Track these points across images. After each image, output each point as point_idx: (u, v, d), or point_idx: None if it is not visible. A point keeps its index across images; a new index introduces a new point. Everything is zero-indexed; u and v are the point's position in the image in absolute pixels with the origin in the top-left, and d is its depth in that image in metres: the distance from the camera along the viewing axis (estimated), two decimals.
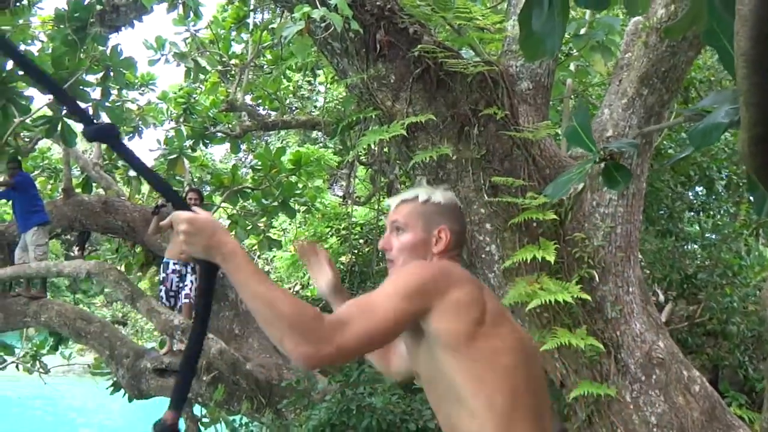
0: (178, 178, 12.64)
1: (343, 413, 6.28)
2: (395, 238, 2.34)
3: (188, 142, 12.60)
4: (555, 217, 4.44)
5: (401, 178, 12.11)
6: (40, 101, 9.61)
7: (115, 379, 9.59)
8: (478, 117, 4.71)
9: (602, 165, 2.70)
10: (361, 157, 12.00)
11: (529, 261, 4.30)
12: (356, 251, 11.79)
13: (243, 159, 21.03)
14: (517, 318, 4.62)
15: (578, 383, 4.37)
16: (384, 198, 12.65)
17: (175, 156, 12.34)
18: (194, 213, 1.97)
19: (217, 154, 23.61)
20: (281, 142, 20.51)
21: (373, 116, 5.01)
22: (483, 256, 4.66)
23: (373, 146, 10.82)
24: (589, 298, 4.32)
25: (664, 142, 8.46)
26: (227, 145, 14.02)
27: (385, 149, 11.45)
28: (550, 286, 4.21)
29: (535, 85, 5.33)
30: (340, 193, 23.24)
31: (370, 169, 13.40)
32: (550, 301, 4.13)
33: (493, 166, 4.67)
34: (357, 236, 12.55)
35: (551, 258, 4.22)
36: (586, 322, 4.41)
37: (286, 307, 1.86)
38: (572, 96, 9.31)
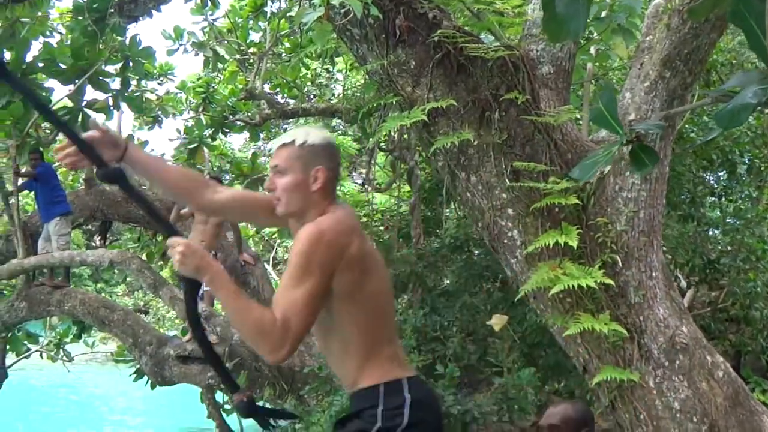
0: (198, 167, 12.70)
1: None
2: (278, 180, 2.60)
3: (208, 131, 12.65)
4: (577, 201, 4.41)
5: (421, 164, 12.09)
6: (60, 93, 9.67)
7: (138, 366, 9.69)
8: (499, 102, 4.68)
9: (628, 147, 2.68)
10: (381, 144, 11.98)
11: (551, 246, 4.28)
12: (377, 238, 11.79)
13: (262, 147, 21.05)
14: (540, 303, 4.61)
15: (601, 368, 4.34)
16: (404, 185, 12.65)
17: (195, 145, 12.42)
18: (187, 240, 2.43)
19: (236, 143, 23.61)
20: None
21: (394, 102, 5.00)
22: (505, 241, 4.65)
23: (393, 132, 10.84)
24: (612, 283, 4.29)
25: (686, 125, 8.39)
26: (246, 134, 14.07)
27: (405, 135, 11.44)
28: (572, 271, 4.19)
29: (556, 69, 5.29)
30: (360, 181, 23.27)
31: (389, 156, 13.37)
32: (572, 286, 4.11)
33: (515, 151, 4.65)
34: (377, 223, 12.54)
35: (574, 243, 4.19)
36: (609, 307, 4.38)
37: (254, 320, 2.32)
38: (592, 80, 9.25)
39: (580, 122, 6.45)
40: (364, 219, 12.85)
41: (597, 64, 9.69)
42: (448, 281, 9.81)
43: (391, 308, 2.76)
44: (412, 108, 4.72)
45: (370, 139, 13.43)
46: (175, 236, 2.44)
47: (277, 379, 7.41)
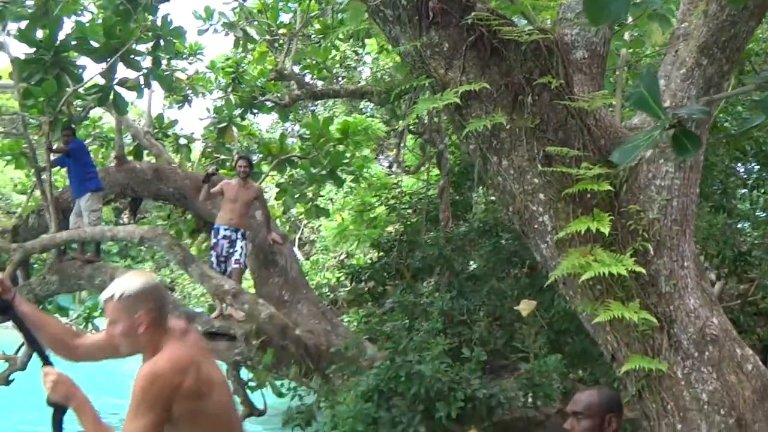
0: (227, 146, 12.75)
1: (391, 380, 6.33)
2: (112, 330, 2.98)
3: (237, 111, 12.67)
4: (610, 188, 4.36)
5: (450, 147, 12.06)
6: (92, 71, 9.71)
7: None
8: (533, 86, 4.63)
9: (669, 133, 2.64)
10: (411, 127, 11.96)
11: (582, 232, 4.24)
12: (405, 220, 11.80)
13: (289, 129, 21.10)
14: (570, 289, 4.58)
15: (629, 357, 4.31)
16: (433, 168, 12.62)
17: (224, 124, 12.45)
18: (59, 372, 2.88)
19: (264, 124, 23.69)
20: (328, 112, 20.51)
21: (426, 84, 4.97)
22: (536, 226, 4.62)
23: (423, 115, 10.81)
24: (643, 271, 4.24)
25: (720, 115, 8.29)
26: (274, 115, 14.07)
27: (435, 119, 11.41)
28: (603, 258, 4.15)
29: (590, 54, 5.23)
30: (386, 164, 23.28)
31: (419, 139, 13.35)
32: (603, 273, 4.07)
33: (547, 136, 4.60)
34: (406, 206, 12.55)
35: (605, 230, 4.16)
36: (640, 296, 4.34)
37: None
38: (626, 66, 9.16)
39: (612, 109, 6.39)
40: (392, 201, 12.89)
41: (631, 50, 9.59)
42: (475, 265, 9.81)
43: (233, 424, 3.17)
44: (445, 90, 4.68)
45: (400, 122, 13.46)
46: (48, 366, 2.93)
47: (303, 358, 7.43)
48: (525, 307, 6.44)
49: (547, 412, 6.63)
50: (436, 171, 12.59)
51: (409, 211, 12.38)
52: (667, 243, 4.52)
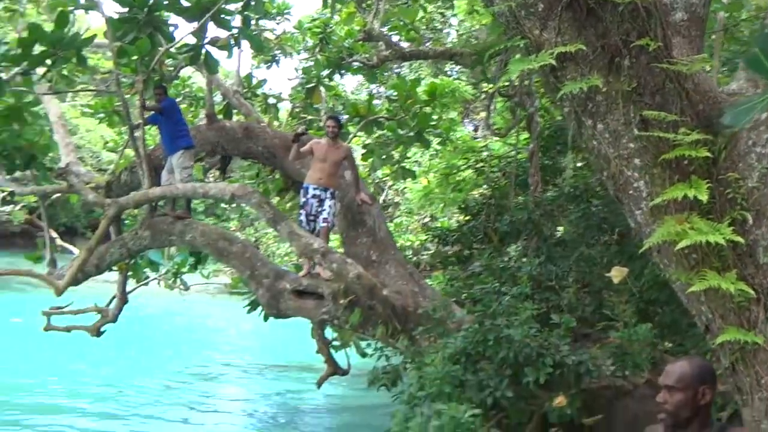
0: (315, 107, 12.84)
1: (479, 343, 6.33)
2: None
3: (325, 72, 12.72)
4: (708, 155, 4.24)
5: (541, 111, 11.89)
6: (184, 30, 9.89)
7: (252, 298, 9.98)
8: (630, 48, 4.52)
9: None
10: (502, 89, 11.83)
11: (679, 199, 4.14)
12: (493, 184, 11.73)
13: (375, 91, 21.10)
14: (664, 258, 4.49)
15: (724, 329, 4.21)
16: (522, 131, 12.46)
17: (312, 85, 12.53)
18: None
19: (349, 86, 23.76)
20: (413, 74, 20.42)
21: (520, 45, 4.90)
22: (630, 192, 4.52)
23: (514, 78, 10.66)
24: (741, 241, 4.12)
25: None
26: (358, 77, 14.08)
27: (526, 81, 11.24)
28: (700, 227, 4.04)
29: (689, 17, 5.05)
30: (471, 127, 23.09)
31: (509, 102, 13.19)
32: (700, 241, 3.97)
33: (644, 100, 4.49)
34: (494, 169, 12.46)
35: (703, 197, 4.04)
36: (736, 266, 4.22)
37: None
38: (723, 30, 8.82)
39: (709, 73, 6.18)
40: (481, 164, 12.82)
41: (728, 14, 9.24)
42: (563, 231, 9.71)
43: None
44: (539, 52, 4.61)
45: (491, 84, 13.32)
46: None
47: (390, 319, 7.47)
48: (616, 273, 6.36)
49: (635, 381, 6.53)
50: (524, 135, 12.44)
51: (498, 174, 12.29)
52: (766, 213, 4.37)
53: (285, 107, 14.21)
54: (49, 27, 8.84)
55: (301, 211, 8.71)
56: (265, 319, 9.90)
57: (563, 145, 11.20)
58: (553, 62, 4.43)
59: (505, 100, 13.84)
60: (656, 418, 3.24)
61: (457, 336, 6.53)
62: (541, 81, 11.14)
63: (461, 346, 6.37)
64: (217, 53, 9.96)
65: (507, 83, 11.89)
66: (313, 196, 8.65)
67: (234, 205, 18.45)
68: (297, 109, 13.53)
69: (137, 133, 9.70)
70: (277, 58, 14.31)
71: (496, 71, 11.33)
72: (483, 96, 16.99)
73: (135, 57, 9.64)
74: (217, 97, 12.41)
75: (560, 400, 6.14)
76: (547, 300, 7.69)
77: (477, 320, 6.56)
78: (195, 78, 15.10)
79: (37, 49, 8.76)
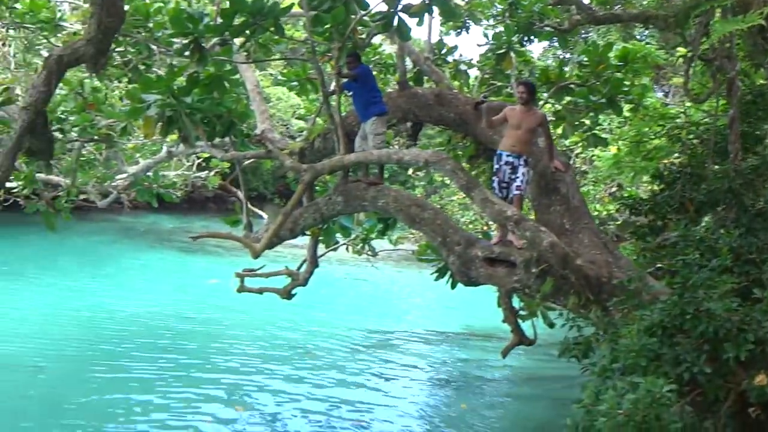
0: (507, 72, 12.70)
1: (677, 317, 6.07)
2: None
3: (515, 37, 12.53)
4: None
5: (741, 75, 11.18)
6: None
7: (440, 265, 10.04)
8: None
9: None
10: (702, 53, 11.20)
11: None
12: (689, 151, 11.17)
13: (562, 57, 20.61)
14: None
15: None
16: (720, 96, 11.78)
17: (503, 51, 12.38)
18: None
19: (535, 52, 23.35)
20: (601, 40, 19.78)
21: (728, 5, 4.59)
22: None
23: (715, 40, 10.06)
24: None
25: None
26: (544, 43, 13.72)
27: (727, 44, 10.58)
28: None
29: None
30: (661, 93, 22.10)
31: (707, 65, 12.48)
32: None
33: None
34: (691, 137, 11.86)
35: None
36: None
37: None
38: None
39: None
40: (677, 131, 12.22)
41: None
42: (765, 201, 9.13)
43: None
44: (747, 12, 4.30)
45: (685, 48, 12.65)
46: None
47: (583, 289, 7.28)
48: None
49: None
50: (722, 101, 11.75)
51: (695, 141, 11.69)
52: None
53: (474, 74, 14.10)
54: None
55: (494, 178, 8.63)
56: (453, 286, 9.95)
57: (765, 111, 10.51)
58: (763, 23, 4.13)
59: (703, 64, 13.10)
60: None
61: (654, 308, 6.29)
62: (743, 43, 10.46)
63: (658, 319, 6.13)
64: (409, 20, 10.00)
65: (707, 47, 11.24)
66: (506, 163, 8.54)
67: (422, 173, 18.67)
68: (486, 76, 13.39)
69: (332, 101, 9.92)
70: (467, 24, 14.20)
71: (694, 34, 10.74)
72: (676, 60, 16.17)
73: (329, 25, 9.84)
74: (408, 65, 12.49)
75: (761, 379, 5.79)
76: (747, 273, 7.25)
77: (677, 292, 6.29)
78: (384, 46, 15.29)
79: (238, 19, 9.12)
